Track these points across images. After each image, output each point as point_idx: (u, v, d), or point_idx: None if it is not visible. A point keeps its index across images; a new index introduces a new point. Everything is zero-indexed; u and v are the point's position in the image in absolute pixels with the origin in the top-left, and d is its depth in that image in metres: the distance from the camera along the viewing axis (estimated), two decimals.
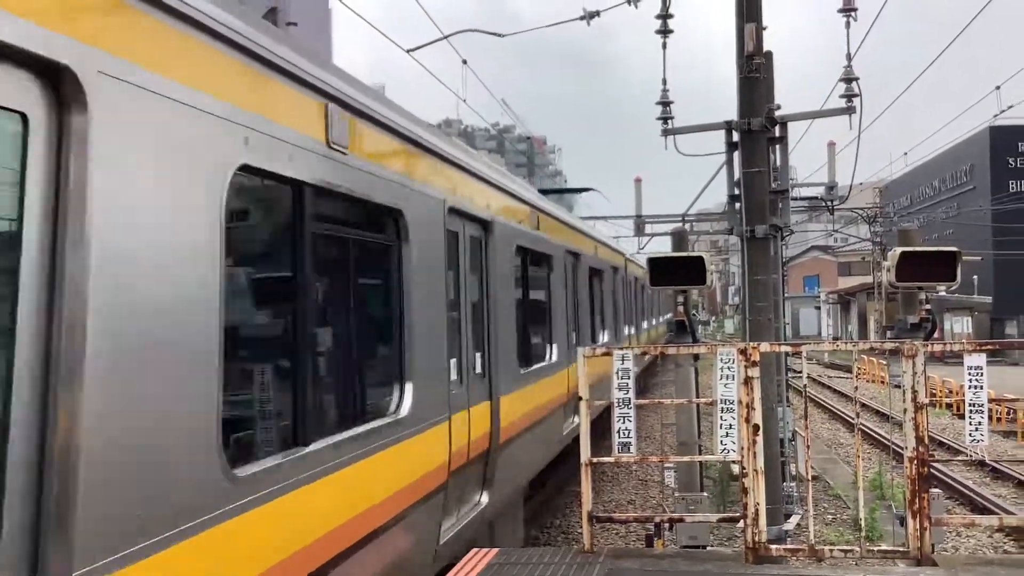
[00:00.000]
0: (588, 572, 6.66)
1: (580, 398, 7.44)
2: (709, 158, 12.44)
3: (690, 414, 11.58)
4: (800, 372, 10.43)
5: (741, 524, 7.01)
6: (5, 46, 2.99)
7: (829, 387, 36.25)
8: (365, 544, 5.68)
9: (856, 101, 11.30)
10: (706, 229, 30.38)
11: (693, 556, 7.16)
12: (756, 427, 6.86)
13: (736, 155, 11.36)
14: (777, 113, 11.16)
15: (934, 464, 9.61)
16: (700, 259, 9.98)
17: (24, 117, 3.15)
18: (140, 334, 3.57)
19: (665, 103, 12.46)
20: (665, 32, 12.24)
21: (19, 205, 3.12)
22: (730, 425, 6.99)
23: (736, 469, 7.45)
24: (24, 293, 3.12)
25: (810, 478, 7.67)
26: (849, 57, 11.38)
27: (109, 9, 3.51)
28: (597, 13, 12.69)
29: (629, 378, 7.27)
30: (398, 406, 6.46)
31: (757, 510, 6.85)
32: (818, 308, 73.16)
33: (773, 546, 7.14)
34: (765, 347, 7.40)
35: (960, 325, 50.77)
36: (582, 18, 12.79)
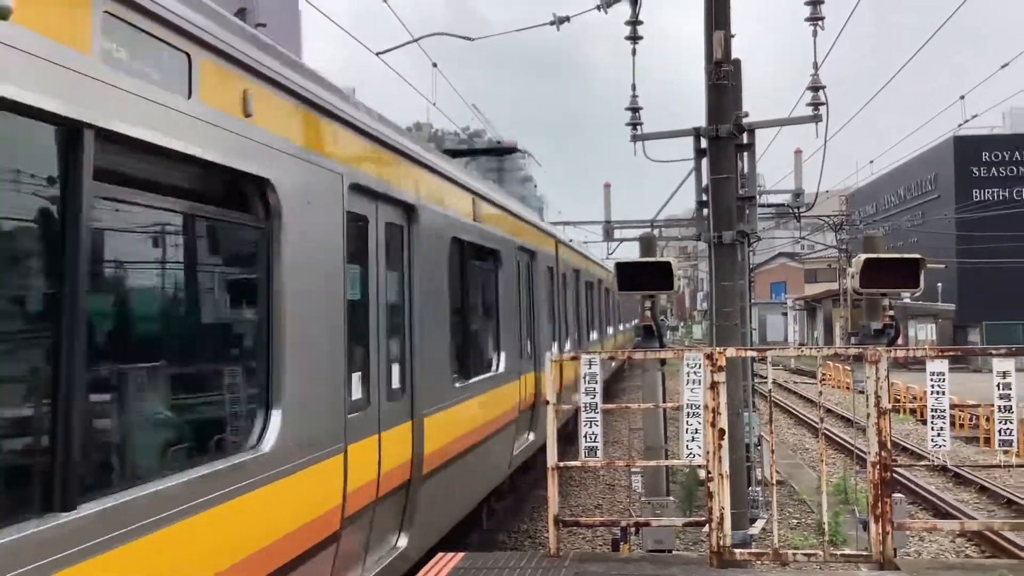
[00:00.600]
0: None
1: (547, 402, 7.44)
2: (679, 164, 12.53)
3: (657, 419, 11.65)
4: (766, 378, 10.54)
5: (706, 528, 7.04)
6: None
7: (795, 392, 36.53)
8: None
9: (823, 109, 11.43)
10: (675, 235, 30.53)
11: (658, 560, 7.18)
12: (722, 431, 6.89)
13: (704, 161, 11.44)
14: (745, 120, 11.26)
15: (897, 469, 9.72)
16: (667, 264, 10.04)
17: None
18: None
19: (634, 109, 12.53)
20: (635, 38, 12.32)
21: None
22: (696, 429, 7.01)
23: (702, 474, 7.49)
24: None
25: (775, 483, 7.72)
26: (816, 66, 11.50)
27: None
28: (567, 18, 12.74)
29: (596, 383, 7.28)
30: (257, 440, 4.97)
31: (722, 514, 6.88)
32: (785, 314, 73.75)
33: (738, 550, 7.18)
34: (731, 352, 7.44)
35: (924, 332, 51.37)
36: (552, 23, 12.83)
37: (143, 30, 4.02)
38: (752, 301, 14.46)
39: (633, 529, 8.52)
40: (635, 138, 12.46)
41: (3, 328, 3.58)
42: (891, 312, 9.25)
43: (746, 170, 11.61)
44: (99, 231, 3.89)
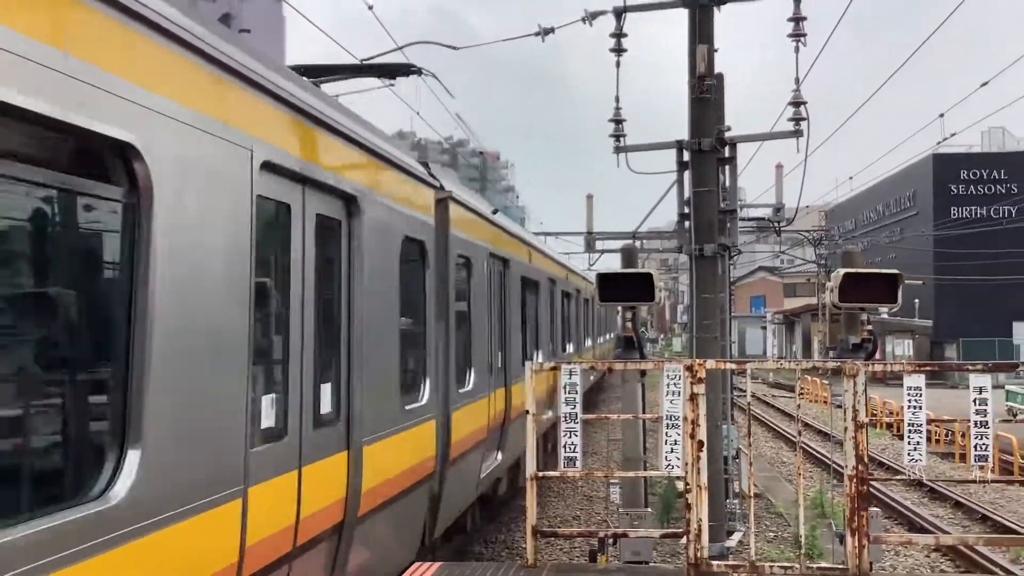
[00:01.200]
0: None
1: (528, 412, 7.44)
2: (661, 176, 12.58)
3: (636, 430, 11.67)
4: (745, 391, 10.58)
5: (684, 540, 7.05)
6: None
7: (773, 406, 36.69)
8: None
9: (804, 124, 11.52)
10: (656, 247, 30.66)
11: (636, 572, 7.20)
12: (701, 443, 6.91)
13: (687, 174, 11.52)
14: (727, 134, 11.34)
15: (873, 483, 9.77)
16: (649, 275, 10.06)
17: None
18: None
19: (618, 120, 12.58)
20: (619, 51, 12.37)
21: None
22: (675, 441, 7.03)
23: (680, 485, 7.50)
24: None
25: (753, 495, 7.75)
26: (798, 81, 11.60)
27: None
28: (552, 30, 12.78)
29: (576, 393, 7.29)
30: (105, 488, 3.70)
31: (700, 526, 6.90)
32: (764, 328, 74.16)
33: (715, 562, 7.20)
34: (711, 364, 7.48)
35: (901, 348, 51.75)
36: (537, 34, 12.87)
37: None
38: (732, 314, 14.51)
39: (611, 540, 8.52)
40: (618, 150, 12.51)
41: None
42: (869, 327, 9.31)
43: (728, 183, 11.69)
44: None
